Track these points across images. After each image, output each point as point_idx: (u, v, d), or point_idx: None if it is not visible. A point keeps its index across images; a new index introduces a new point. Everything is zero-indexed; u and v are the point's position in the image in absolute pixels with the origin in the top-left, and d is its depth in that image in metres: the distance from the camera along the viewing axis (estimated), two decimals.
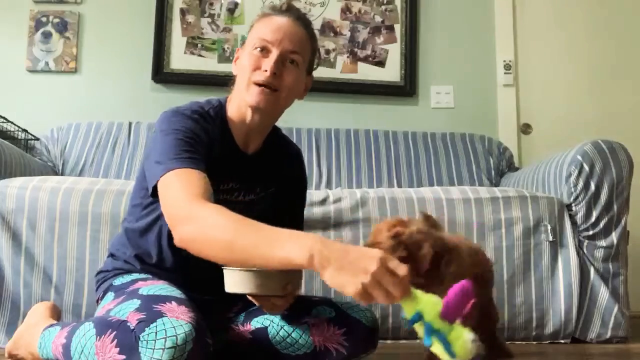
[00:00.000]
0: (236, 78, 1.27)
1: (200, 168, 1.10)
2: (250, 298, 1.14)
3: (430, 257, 1.02)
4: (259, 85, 1.21)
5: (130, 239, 1.31)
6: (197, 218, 1.00)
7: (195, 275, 1.27)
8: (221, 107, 1.29)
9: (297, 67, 1.23)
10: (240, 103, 1.25)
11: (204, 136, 1.19)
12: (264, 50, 1.21)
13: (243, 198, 1.30)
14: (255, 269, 1.01)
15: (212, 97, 1.32)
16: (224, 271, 1.06)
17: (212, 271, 1.27)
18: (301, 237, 0.91)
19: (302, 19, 1.26)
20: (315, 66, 1.33)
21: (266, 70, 1.20)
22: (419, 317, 0.85)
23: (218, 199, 1.25)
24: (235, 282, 1.04)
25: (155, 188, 1.11)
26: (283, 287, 1.04)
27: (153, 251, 1.27)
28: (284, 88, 1.23)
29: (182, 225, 1.02)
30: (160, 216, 1.23)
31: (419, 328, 0.87)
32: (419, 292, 0.88)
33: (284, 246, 0.90)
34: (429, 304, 0.86)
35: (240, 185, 1.29)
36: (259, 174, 1.32)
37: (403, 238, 1.04)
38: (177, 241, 1.03)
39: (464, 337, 0.84)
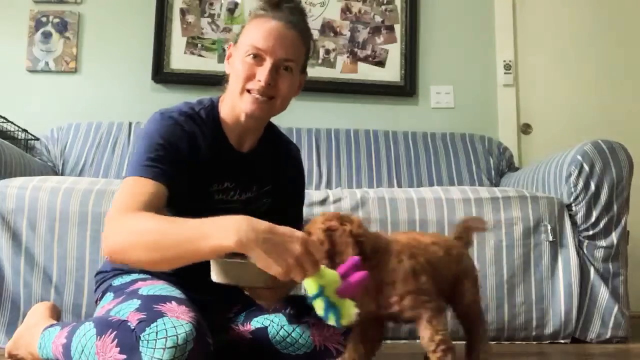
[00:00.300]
0: (229, 78, 1.26)
1: (160, 179, 1.12)
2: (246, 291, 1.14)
3: (349, 257, 1.07)
4: (252, 93, 1.20)
5: None
6: (122, 228, 1.03)
7: (194, 276, 1.27)
8: (213, 107, 1.29)
9: (291, 72, 1.23)
10: (234, 105, 1.25)
11: (184, 142, 1.19)
12: (257, 58, 1.19)
13: (239, 197, 1.30)
14: (240, 260, 1.02)
15: (203, 97, 1.32)
16: (211, 260, 1.06)
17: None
18: (227, 223, 0.93)
19: (294, 20, 1.23)
20: (310, 54, 1.31)
21: (260, 80, 1.19)
22: (321, 292, 0.95)
23: (213, 199, 1.25)
24: (219, 271, 1.04)
25: None
26: (267, 280, 1.04)
27: None
28: (278, 96, 1.23)
29: (109, 237, 1.04)
30: None
31: (318, 303, 0.96)
32: (322, 268, 0.96)
33: (212, 235, 0.93)
34: (330, 280, 0.96)
35: (236, 184, 1.29)
36: (255, 172, 1.32)
37: (335, 234, 1.07)
38: (107, 253, 1.05)
39: (351, 310, 0.97)
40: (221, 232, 0.92)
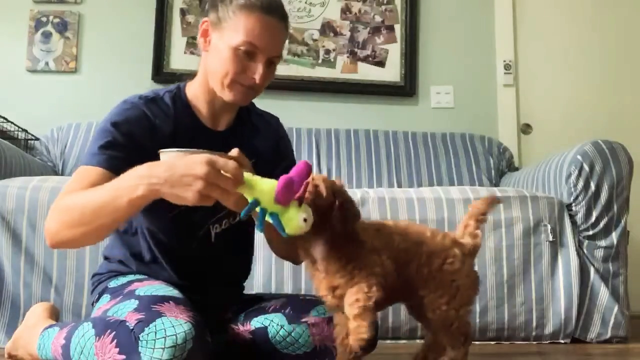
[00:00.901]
0: (207, 60, 1.24)
1: (106, 165, 1.12)
2: None
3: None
4: (241, 85, 1.20)
5: (123, 239, 1.30)
6: (52, 214, 1.06)
7: (190, 274, 1.26)
8: (179, 90, 1.30)
9: (275, 65, 1.24)
10: (212, 88, 1.24)
11: (141, 125, 1.19)
12: (250, 52, 1.18)
13: None
14: (187, 149, 1.03)
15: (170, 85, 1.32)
16: (160, 155, 1.06)
17: (207, 271, 1.27)
18: (131, 177, 0.96)
19: (284, 15, 1.23)
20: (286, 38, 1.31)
21: (254, 78, 1.19)
22: (255, 204, 0.92)
23: None
24: None
25: None
26: None
27: (144, 250, 1.27)
28: (262, 87, 1.24)
29: (45, 227, 1.07)
30: (139, 217, 1.25)
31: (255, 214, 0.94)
32: (255, 180, 0.94)
33: (124, 194, 0.95)
34: (265, 191, 0.92)
35: None
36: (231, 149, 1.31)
37: (343, 191, 1.01)
38: (48, 243, 1.08)
39: (296, 217, 0.92)
40: (129, 188, 0.95)
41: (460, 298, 1.09)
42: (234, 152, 1.07)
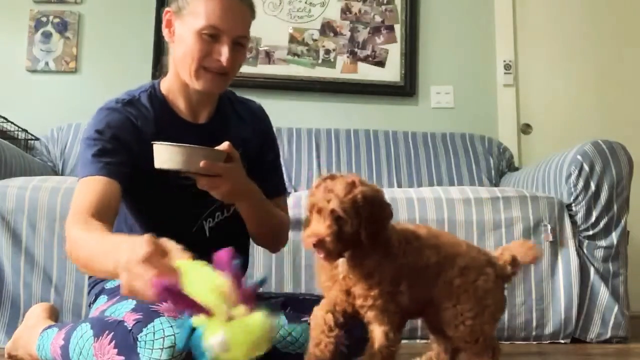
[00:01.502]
0: (175, 50, 1.23)
1: (105, 172, 1.12)
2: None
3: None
4: (210, 71, 1.19)
5: None
6: (69, 240, 1.06)
7: None
8: (154, 88, 1.29)
9: (244, 47, 1.23)
10: (184, 80, 1.23)
11: (124, 128, 1.19)
12: (214, 36, 1.18)
13: None
14: (182, 144, 1.03)
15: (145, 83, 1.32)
16: (153, 147, 1.06)
17: None
18: (116, 251, 0.89)
19: None
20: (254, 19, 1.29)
21: (219, 60, 1.18)
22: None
23: (178, 178, 1.17)
24: (161, 158, 1.05)
25: None
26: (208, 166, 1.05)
27: None
28: (233, 71, 1.23)
29: (66, 245, 1.08)
30: (131, 219, 1.25)
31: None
32: (189, 270, 0.71)
33: (112, 266, 0.88)
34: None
35: None
36: (218, 140, 1.24)
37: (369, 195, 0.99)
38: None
39: (208, 336, 0.66)
40: (115, 263, 0.87)
41: (487, 316, 1.08)
42: (224, 145, 1.06)
